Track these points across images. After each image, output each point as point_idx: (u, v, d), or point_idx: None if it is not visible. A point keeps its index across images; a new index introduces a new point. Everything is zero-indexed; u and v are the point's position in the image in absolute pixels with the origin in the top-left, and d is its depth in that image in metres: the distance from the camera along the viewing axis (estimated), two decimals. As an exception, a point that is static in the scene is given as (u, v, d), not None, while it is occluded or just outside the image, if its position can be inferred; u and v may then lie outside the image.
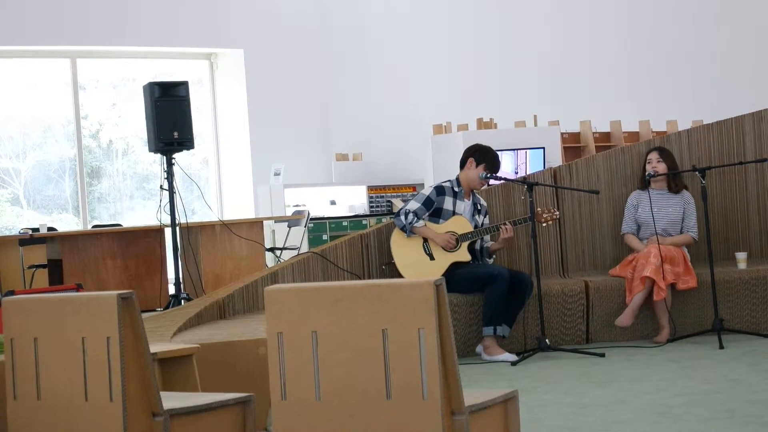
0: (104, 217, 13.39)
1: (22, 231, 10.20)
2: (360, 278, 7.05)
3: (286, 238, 11.18)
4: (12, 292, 6.03)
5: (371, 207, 13.38)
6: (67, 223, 13.12)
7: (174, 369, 4.32)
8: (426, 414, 3.01)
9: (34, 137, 13.19)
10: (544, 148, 10.81)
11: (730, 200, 7.76)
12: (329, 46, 14.32)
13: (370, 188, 13.46)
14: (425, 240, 6.92)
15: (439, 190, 6.98)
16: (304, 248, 10.88)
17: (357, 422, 3.10)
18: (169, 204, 9.00)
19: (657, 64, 12.54)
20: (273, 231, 12.50)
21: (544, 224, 7.01)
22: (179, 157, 9.17)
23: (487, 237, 7.06)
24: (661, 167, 7.24)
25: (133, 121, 13.32)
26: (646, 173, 7.26)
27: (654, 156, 7.28)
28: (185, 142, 9.01)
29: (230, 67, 13.98)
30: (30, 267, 9.64)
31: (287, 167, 13.28)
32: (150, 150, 9.16)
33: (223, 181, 14.15)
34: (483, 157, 7.01)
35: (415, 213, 6.88)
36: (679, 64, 12.46)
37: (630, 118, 11.91)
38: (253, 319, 5.99)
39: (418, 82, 13.65)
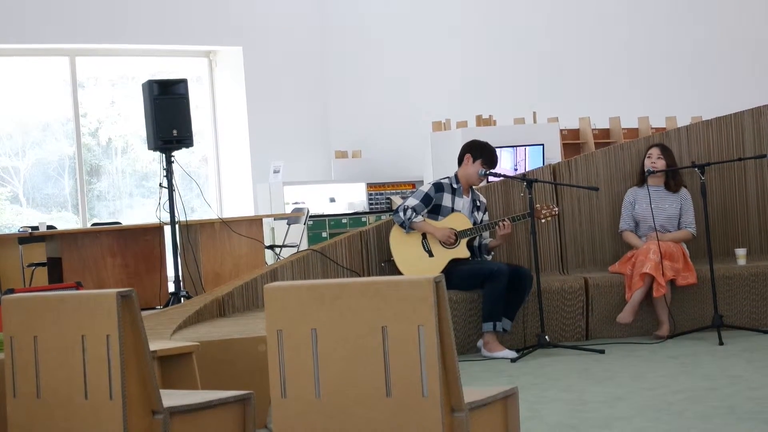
0: (104, 215, 13.38)
1: (21, 229, 10.20)
2: (359, 275, 7.06)
3: (286, 236, 11.18)
4: (12, 291, 6.03)
5: (370, 204, 13.38)
6: (67, 221, 13.11)
7: (174, 367, 4.32)
8: (426, 411, 3.01)
9: (34, 135, 13.19)
10: (543, 144, 10.81)
11: (730, 196, 7.76)
12: (328, 44, 14.31)
13: (370, 185, 13.46)
14: (424, 237, 6.92)
15: (438, 186, 6.98)
16: (304, 246, 10.87)
17: (357, 419, 3.10)
18: (168, 202, 9.00)
19: (656, 60, 12.54)
20: (272, 228, 12.50)
21: (543, 220, 7.01)
22: (178, 155, 9.17)
23: (485, 233, 7.06)
24: (661, 164, 7.23)
25: (132, 119, 13.32)
26: (646, 169, 7.25)
27: (655, 152, 7.27)
28: (184, 140, 9.01)
29: (229, 65, 13.97)
30: (29, 265, 9.64)
31: (286, 165, 13.28)
32: (149, 148, 9.16)
33: (222, 178, 14.14)
34: (480, 152, 7.00)
35: (414, 209, 6.88)
36: (678, 60, 12.46)
37: (629, 115, 11.91)
38: (252, 317, 5.99)
39: (418, 79, 13.65)
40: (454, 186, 7.00)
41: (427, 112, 12.83)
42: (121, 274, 9.76)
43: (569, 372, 6.03)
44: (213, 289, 7.83)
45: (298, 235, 11.16)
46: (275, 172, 13.13)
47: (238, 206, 13.68)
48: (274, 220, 12.33)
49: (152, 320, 5.64)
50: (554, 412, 4.99)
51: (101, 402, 3.32)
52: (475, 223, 6.98)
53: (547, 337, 6.71)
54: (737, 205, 7.76)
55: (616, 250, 7.53)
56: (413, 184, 13.43)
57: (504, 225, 6.88)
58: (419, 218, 6.90)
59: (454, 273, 6.76)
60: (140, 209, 13.56)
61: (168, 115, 8.94)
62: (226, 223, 10.01)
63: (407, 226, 6.89)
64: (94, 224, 11.64)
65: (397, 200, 12.99)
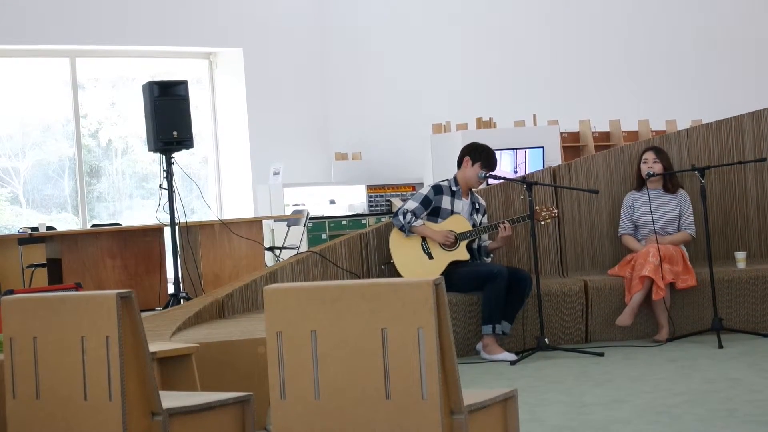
0: (103, 216, 13.39)
1: (21, 230, 10.20)
2: (359, 277, 7.05)
3: (286, 238, 11.18)
4: (11, 292, 6.02)
5: (370, 206, 13.39)
6: (67, 222, 13.12)
7: (173, 368, 4.32)
8: (425, 413, 3.01)
9: (34, 136, 13.19)
10: (543, 147, 10.82)
11: (730, 200, 7.76)
12: (328, 46, 14.32)
13: (370, 187, 13.46)
14: (424, 239, 6.92)
15: (437, 189, 6.98)
16: (304, 247, 10.88)
17: (356, 422, 3.10)
18: (168, 203, 9.00)
19: (656, 63, 12.54)
20: (272, 230, 12.51)
21: (543, 222, 7.01)
22: (178, 156, 9.17)
23: (484, 236, 7.06)
24: (658, 167, 7.23)
25: (132, 121, 13.33)
26: (644, 173, 7.25)
27: (650, 156, 7.28)
28: (184, 141, 9.01)
29: (229, 67, 13.98)
30: (29, 266, 9.64)
31: (286, 166, 13.28)
32: (149, 149, 9.16)
33: (222, 180, 14.15)
34: (479, 155, 7.01)
35: (414, 212, 6.88)
36: (678, 63, 12.46)
37: (629, 118, 11.91)
38: (252, 319, 5.99)
39: (418, 81, 13.65)
40: (453, 188, 7.00)
41: (427, 114, 12.84)
42: (121, 276, 9.76)
43: (568, 375, 6.02)
44: (213, 290, 7.82)
45: (297, 237, 11.16)
46: (275, 173, 13.13)
47: (238, 208, 13.68)
48: (274, 221, 12.33)
49: (152, 321, 5.64)
50: (553, 414, 4.99)
51: (101, 403, 3.32)
52: (474, 226, 6.98)
53: (546, 339, 6.70)
54: (737, 208, 7.76)
55: (616, 253, 7.53)
56: (413, 186, 13.43)
57: (504, 227, 6.88)
58: (419, 221, 6.90)
59: (453, 275, 6.76)
60: (140, 210, 13.57)
61: (168, 117, 8.94)
62: (226, 225, 10.01)
63: (407, 230, 6.89)
64: (93, 225, 11.64)
65: (397, 202, 12.99)
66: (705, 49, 12.33)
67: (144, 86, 9.13)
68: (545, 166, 9.93)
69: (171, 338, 5.05)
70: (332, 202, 13.42)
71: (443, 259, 6.88)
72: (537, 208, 6.97)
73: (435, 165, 11.34)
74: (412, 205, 6.92)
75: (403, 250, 6.94)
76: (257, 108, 13.77)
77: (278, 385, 3.20)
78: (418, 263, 6.89)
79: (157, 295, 9.79)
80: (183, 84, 9.17)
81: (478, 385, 5.83)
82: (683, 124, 10.59)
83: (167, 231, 9.40)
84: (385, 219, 11.68)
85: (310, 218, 11.86)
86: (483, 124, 11.48)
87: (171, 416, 3.35)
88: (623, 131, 11.86)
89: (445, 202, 6.95)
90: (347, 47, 14.22)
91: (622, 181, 7.62)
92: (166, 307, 9.01)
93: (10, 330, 3.53)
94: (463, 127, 11.39)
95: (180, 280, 9.22)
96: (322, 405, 3.14)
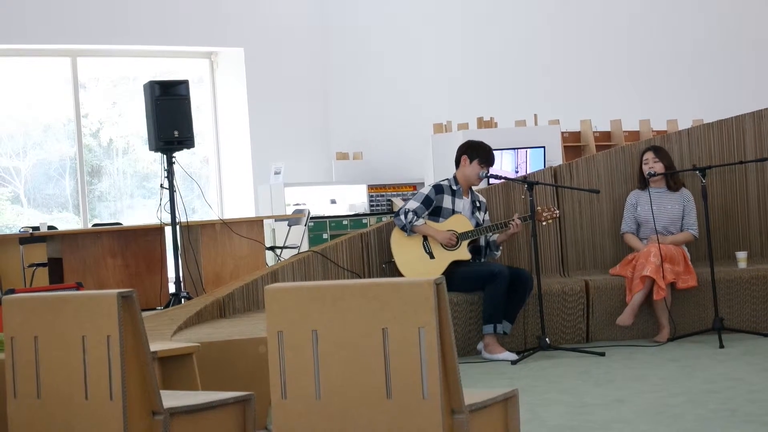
0: (104, 215, 13.39)
1: (22, 229, 10.20)
2: (360, 277, 7.05)
3: (287, 237, 11.18)
4: (12, 291, 6.03)
5: (371, 206, 13.39)
6: (68, 221, 13.12)
7: (174, 368, 4.32)
8: (426, 413, 3.01)
9: (35, 136, 13.20)
10: (544, 147, 10.81)
11: (731, 199, 7.76)
12: (330, 45, 14.32)
13: (371, 187, 13.46)
14: (425, 239, 6.92)
15: (438, 188, 6.98)
16: (305, 247, 10.88)
17: (357, 421, 3.10)
18: (169, 203, 9.00)
19: (657, 63, 12.54)
20: (273, 230, 12.50)
21: (544, 223, 7.01)
22: (179, 155, 9.17)
23: (491, 234, 7.05)
24: (658, 167, 7.24)
25: (133, 120, 13.33)
26: (646, 174, 7.25)
27: (650, 156, 7.29)
28: (185, 140, 9.02)
29: (231, 66, 13.98)
30: (30, 266, 9.64)
31: (287, 166, 13.28)
32: (150, 149, 9.16)
33: (223, 179, 14.15)
34: (475, 152, 7.01)
35: (415, 212, 6.88)
36: (679, 63, 12.46)
37: (630, 117, 11.90)
38: (253, 318, 5.99)
39: (419, 81, 13.65)
40: (454, 187, 7.00)
41: (428, 113, 12.83)
42: (122, 275, 9.76)
43: (569, 374, 6.02)
44: (213, 290, 7.82)
45: (298, 237, 11.16)
46: (276, 173, 13.13)
47: (239, 207, 13.68)
48: (275, 221, 12.33)
49: (153, 321, 5.64)
50: (554, 414, 4.99)
51: (101, 402, 3.32)
52: (478, 224, 6.98)
53: (547, 339, 6.70)
54: (738, 208, 7.76)
55: (617, 253, 7.53)
56: (414, 186, 13.44)
57: (516, 224, 6.87)
58: (420, 221, 6.90)
59: (454, 275, 6.76)
60: (141, 210, 13.57)
61: (169, 116, 8.94)
62: (227, 224, 10.01)
63: (408, 230, 6.89)
64: (94, 225, 11.64)
65: (398, 202, 12.99)
66: (706, 49, 12.32)
67: (145, 86, 9.13)
68: (546, 166, 9.93)
69: (172, 338, 5.05)
70: (333, 201, 13.42)
71: (444, 258, 6.88)
72: (539, 208, 6.97)
73: (436, 165, 11.34)
74: (413, 204, 6.93)
75: (404, 249, 6.94)
76: (258, 108, 13.77)
77: (279, 385, 3.20)
78: (419, 263, 6.89)
79: (158, 294, 9.79)
80: (184, 83, 9.17)
81: (479, 385, 5.83)
82: (684, 124, 10.58)
83: (168, 230, 9.40)
84: (386, 218, 11.68)
85: (311, 218, 11.86)
86: (484, 123, 11.47)
87: (172, 416, 3.35)
88: (624, 131, 11.86)
89: (446, 201, 6.95)
90: (348, 47, 14.22)
91: (623, 181, 7.62)
92: (167, 306, 9.01)
93: (11, 329, 3.54)
94: (464, 126, 11.38)
95: (181, 279, 9.22)
96: (323, 404, 3.14)
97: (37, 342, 3.47)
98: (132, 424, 3.28)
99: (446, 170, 9.15)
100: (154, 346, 4.17)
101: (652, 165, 7.24)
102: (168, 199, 9.00)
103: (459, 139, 10.52)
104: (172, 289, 9.58)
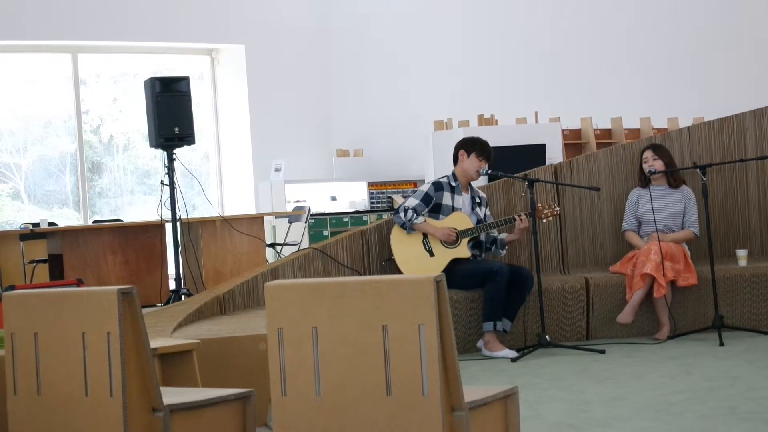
0: (105, 212, 13.39)
1: (22, 226, 10.20)
2: (360, 274, 7.05)
3: (287, 234, 11.18)
4: (12, 287, 6.03)
5: (372, 203, 13.39)
6: (68, 218, 13.12)
7: (174, 364, 4.32)
8: (426, 410, 3.01)
9: (35, 132, 13.19)
10: (545, 144, 10.80)
11: (731, 197, 7.76)
12: (330, 42, 14.32)
13: (371, 184, 13.46)
14: (425, 236, 6.92)
15: (437, 185, 6.98)
16: (305, 244, 10.88)
17: (357, 418, 3.10)
18: (169, 199, 9.00)
19: (658, 61, 12.53)
20: (273, 227, 12.51)
21: (545, 220, 7.00)
22: (180, 152, 9.18)
23: (493, 231, 7.05)
24: (658, 164, 7.24)
25: (133, 117, 13.33)
26: (646, 171, 7.25)
27: (649, 154, 7.28)
28: (186, 137, 9.02)
29: (231, 63, 13.98)
30: (30, 262, 9.64)
31: (288, 163, 13.29)
32: (151, 145, 9.17)
33: (223, 176, 14.15)
34: (472, 146, 7.02)
35: (415, 209, 6.88)
36: (680, 61, 12.45)
37: (631, 115, 11.90)
38: (253, 315, 5.99)
39: (419, 78, 13.65)
40: (453, 184, 7.00)
41: (428, 111, 12.83)
42: (122, 272, 9.76)
43: (569, 372, 6.02)
44: (214, 286, 7.83)
45: (299, 234, 11.16)
46: (276, 170, 13.13)
47: (240, 204, 13.68)
48: (276, 218, 12.33)
49: (153, 317, 5.64)
50: (554, 411, 4.99)
51: (102, 399, 3.32)
52: (479, 220, 6.98)
53: (547, 336, 6.71)
54: (738, 206, 7.76)
55: (617, 250, 7.53)
56: (415, 183, 13.43)
57: (522, 219, 6.87)
58: (420, 219, 6.90)
59: (454, 272, 6.76)
60: (141, 206, 13.57)
61: (170, 113, 8.95)
62: (228, 221, 10.01)
63: (408, 227, 6.89)
64: (95, 221, 11.65)
65: (398, 199, 12.99)
66: (707, 47, 12.32)
67: (146, 82, 9.13)
68: (547, 164, 9.92)
69: (172, 334, 5.05)
70: (333, 198, 13.42)
71: (444, 256, 6.88)
72: (539, 205, 6.97)
73: (436, 162, 11.33)
74: (413, 202, 6.92)
75: (404, 246, 6.94)
76: (259, 104, 13.77)
77: (279, 382, 3.20)
78: (419, 260, 6.89)
79: (158, 291, 9.79)
80: (185, 80, 9.18)
81: (478, 382, 5.83)
82: (685, 122, 10.58)
83: (168, 227, 9.41)
84: (386, 216, 11.68)
85: (312, 215, 11.86)
86: (484, 121, 11.47)
87: (172, 412, 3.35)
88: (625, 129, 11.85)
89: (446, 198, 6.95)
90: (349, 44, 14.21)
91: (624, 179, 7.61)
92: (167, 303, 9.02)
93: (12, 326, 3.54)
94: (464, 124, 11.38)
95: (181, 276, 9.22)
96: (323, 402, 3.14)
97: (37, 338, 3.47)
98: (132, 421, 3.29)
99: (447, 167, 9.14)
100: (155, 343, 4.17)
101: (652, 163, 7.24)
102: (168, 195, 9.00)
103: (459, 136, 10.49)
104: (172, 285, 9.59)
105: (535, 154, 10.35)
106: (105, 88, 13.67)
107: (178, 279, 9.18)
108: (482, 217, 7.03)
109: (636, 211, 7.32)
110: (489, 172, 6.99)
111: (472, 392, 3.22)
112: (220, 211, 12.72)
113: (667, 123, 11.58)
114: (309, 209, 11.51)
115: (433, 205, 6.94)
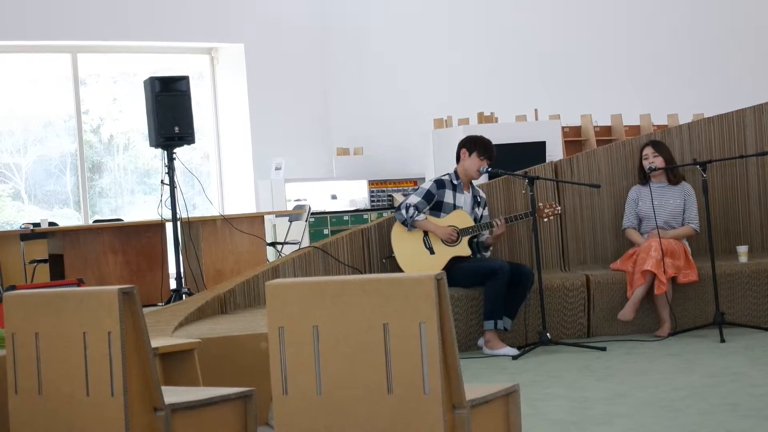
0: (105, 212, 13.39)
1: (23, 226, 10.20)
2: (361, 272, 7.06)
3: (287, 233, 11.18)
4: (13, 287, 6.03)
5: (372, 201, 13.38)
6: (68, 218, 13.12)
7: (175, 364, 4.32)
8: (427, 408, 3.01)
9: (35, 132, 13.19)
10: (545, 142, 10.80)
11: (731, 194, 7.76)
12: (330, 41, 14.31)
13: (371, 183, 13.46)
14: (426, 234, 6.92)
15: (439, 183, 6.98)
16: (305, 243, 10.88)
17: (358, 416, 3.10)
18: (170, 199, 9.00)
19: (658, 57, 12.53)
20: (274, 225, 12.51)
21: (546, 219, 7.01)
22: (180, 151, 9.18)
23: (485, 231, 7.05)
24: (658, 161, 7.24)
25: (133, 116, 13.33)
26: (647, 168, 7.25)
27: (649, 151, 7.28)
28: (186, 136, 9.02)
29: (231, 62, 13.97)
30: (31, 262, 9.65)
31: (288, 162, 13.28)
32: (151, 145, 9.17)
33: (224, 175, 14.15)
34: (474, 144, 7.02)
35: (416, 207, 6.88)
36: (679, 57, 12.45)
37: (631, 112, 11.90)
38: (254, 314, 5.99)
39: (419, 76, 13.65)
40: (455, 182, 7.00)
41: (428, 109, 12.83)
42: (123, 271, 9.77)
43: (570, 369, 6.03)
44: (214, 286, 7.83)
45: (299, 232, 11.16)
46: (277, 169, 13.13)
47: (240, 203, 13.68)
48: (276, 217, 12.33)
49: (154, 317, 5.64)
50: (555, 409, 4.99)
51: (103, 399, 3.32)
52: (475, 219, 6.98)
53: (548, 334, 6.70)
54: (739, 202, 7.76)
55: (618, 247, 7.53)
56: (415, 181, 13.43)
57: (497, 224, 6.87)
58: (421, 216, 6.90)
59: (455, 270, 6.76)
60: (142, 206, 13.57)
61: (170, 112, 8.95)
62: (228, 220, 10.02)
63: (409, 224, 6.89)
64: (95, 221, 11.65)
65: (398, 197, 13.00)
66: (706, 43, 12.31)
67: (145, 82, 9.13)
68: (547, 161, 9.92)
69: (173, 334, 5.05)
70: (334, 197, 13.42)
71: (445, 254, 6.88)
72: (540, 204, 6.97)
73: (436, 160, 11.33)
74: (414, 199, 6.92)
75: (404, 244, 6.94)
76: (259, 103, 13.77)
77: (280, 381, 3.20)
78: (419, 258, 6.88)
79: (158, 290, 9.79)
80: (184, 79, 9.17)
81: (480, 380, 5.84)
82: (685, 119, 10.57)
83: (169, 226, 9.41)
84: (386, 214, 11.68)
85: (312, 213, 11.86)
86: (484, 118, 11.46)
87: (173, 412, 3.35)
88: (625, 126, 11.85)
89: (448, 196, 6.95)
90: (348, 42, 14.21)
91: (624, 176, 7.61)
92: (167, 302, 9.02)
93: (12, 326, 3.54)
94: (464, 121, 11.37)
95: (182, 275, 9.22)
96: (324, 400, 3.14)
97: (38, 338, 3.47)
98: (133, 421, 3.29)
99: (447, 165, 9.15)
100: (155, 342, 4.18)
101: (652, 159, 7.24)
102: (169, 195, 9.00)
103: (459, 134, 10.52)
104: (173, 285, 9.59)
105: (535, 151, 10.33)
106: (105, 88, 13.67)
107: (178, 278, 9.18)
108: (479, 217, 7.03)
109: (636, 208, 7.32)
110: (489, 170, 6.99)
111: (473, 390, 3.22)
112: (220, 211, 12.72)
113: (667, 119, 11.58)
114: (309, 208, 11.51)
115: (434, 203, 6.94)
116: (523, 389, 4.19)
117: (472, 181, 7.12)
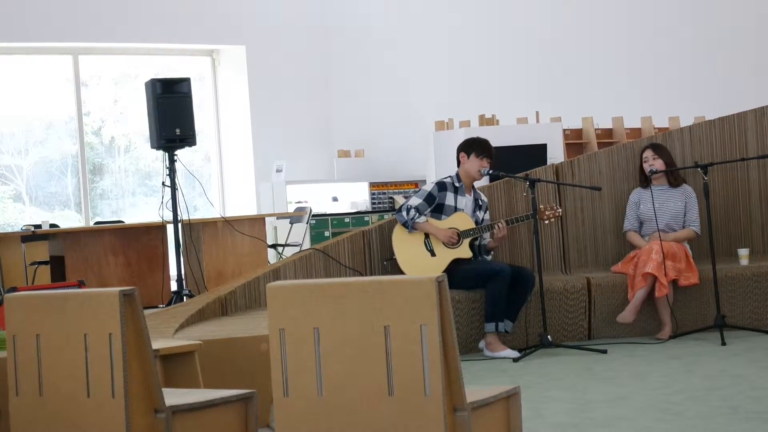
0: (106, 213, 13.39)
1: (24, 228, 10.20)
2: (362, 275, 7.05)
3: (288, 235, 11.19)
4: (14, 289, 6.03)
5: (373, 203, 13.39)
6: (69, 219, 13.12)
7: (176, 365, 4.32)
8: (428, 410, 3.01)
9: (37, 134, 13.20)
10: (546, 144, 10.80)
11: (732, 196, 7.75)
12: (331, 43, 14.32)
13: (372, 185, 13.46)
14: (426, 236, 6.92)
15: (441, 185, 6.99)
16: (306, 245, 10.88)
17: (359, 418, 3.10)
18: (171, 200, 9.00)
19: (659, 60, 12.53)
20: (275, 227, 12.51)
21: (547, 221, 7.01)
22: (181, 153, 9.18)
23: (486, 234, 7.05)
24: (658, 164, 7.24)
25: (135, 118, 13.33)
26: (647, 171, 7.25)
27: (649, 153, 7.29)
28: (187, 138, 9.02)
29: (232, 64, 13.98)
30: (32, 264, 9.65)
31: (289, 164, 13.29)
32: (152, 146, 9.17)
33: (225, 177, 14.15)
34: (470, 146, 7.03)
35: (417, 209, 6.88)
36: (680, 60, 12.45)
37: (632, 115, 11.90)
38: (255, 316, 5.99)
39: (420, 78, 13.65)
40: (456, 185, 7.00)
41: (429, 111, 12.83)
42: (124, 273, 9.77)
43: (571, 372, 6.03)
44: (215, 287, 7.82)
45: (300, 234, 11.16)
46: (278, 171, 13.13)
47: (241, 205, 13.68)
48: (277, 219, 12.33)
49: (155, 319, 5.64)
50: (556, 411, 4.99)
51: (103, 400, 3.32)
52: (477, 222, 6.98)
53: (549, 336, 6.70)
54: (740, 205, 7.76)
55: (619, 250, 7.53)
56: (416, 184, 13.43)
57: (499, 227, 6.87)
58: (422, 218, 6.90)
59: (456, 273, 6.76)
60: (143, 208, 13.57)
61: (171, 114, 8.94)
62: (229, 222, 10.01)
63: (410, 226, 6.89)
64: (96, 223, 11.65)
65: (399, 199, 12.99)
66: (708, 46, 12.32)
67: (147, 83, 9.13)
68: (548, 163, 9.92)
69: (174, 335, 5.05)
70: (335, 199, 13.42)
71: (446, 256, 6.88)
72: (541, 207, 6.97)
73: (437, 162, 11.34)
74: (415, 201, 6.92)
75: (405, 246, 6.94)
76: (260, 105, 13.77)
77: (281, 383, 3.20)
78: (420, 260, 6.89)
79: (159, 292, 9.79)
80: (186, 81, 9.17)
81: (480, 383, 5.83)
82: (686, 121, 10.58)
83: (170, 228, 9.40)
84: (387, 216, 11.68)
85: (313, 215, 11.87)
86: (485, 121, 11.47)
87: (174, 413, 3.35)
88: (626, 128, 11.85)
89: (449, 198, 6.95)
90: (350, 44, 14.21)
91: (625, 178, 7.61)
92: (168, 304, 9.02)
93: (14, 327, 3.54)
94: (465, 124, 11.37)
95: (183, 277, 9.22)
96: (325, 402, 3.14)
97: (39, 340, 3.48)
98: (134, 422, 3.29)
99: (448, 167, 9.16)
100: (156, 344, 4.18)
101: (652, 162, 7.24)
102: (170, 196, 9.00)
103: (460, 136, 10.51)
104: (173, 286, 9.58)
105: (536, 153, 10.34)
106: (106, 90, 13.67)
107: (179, 280, 9.18)
108: (480, 221, 7.03)
109: (637, 211, 7.32)
110: (491, 172, 6.99)
111: (474, 392, 3.22)
112: (221, 212, 12.72)
113: (668, 122, 11.58)
114: (310, 210, 11.51)
115: (435, 205, 6.94)
116: (524, 392, 4.19)
117: (475, 184, 7.12)
